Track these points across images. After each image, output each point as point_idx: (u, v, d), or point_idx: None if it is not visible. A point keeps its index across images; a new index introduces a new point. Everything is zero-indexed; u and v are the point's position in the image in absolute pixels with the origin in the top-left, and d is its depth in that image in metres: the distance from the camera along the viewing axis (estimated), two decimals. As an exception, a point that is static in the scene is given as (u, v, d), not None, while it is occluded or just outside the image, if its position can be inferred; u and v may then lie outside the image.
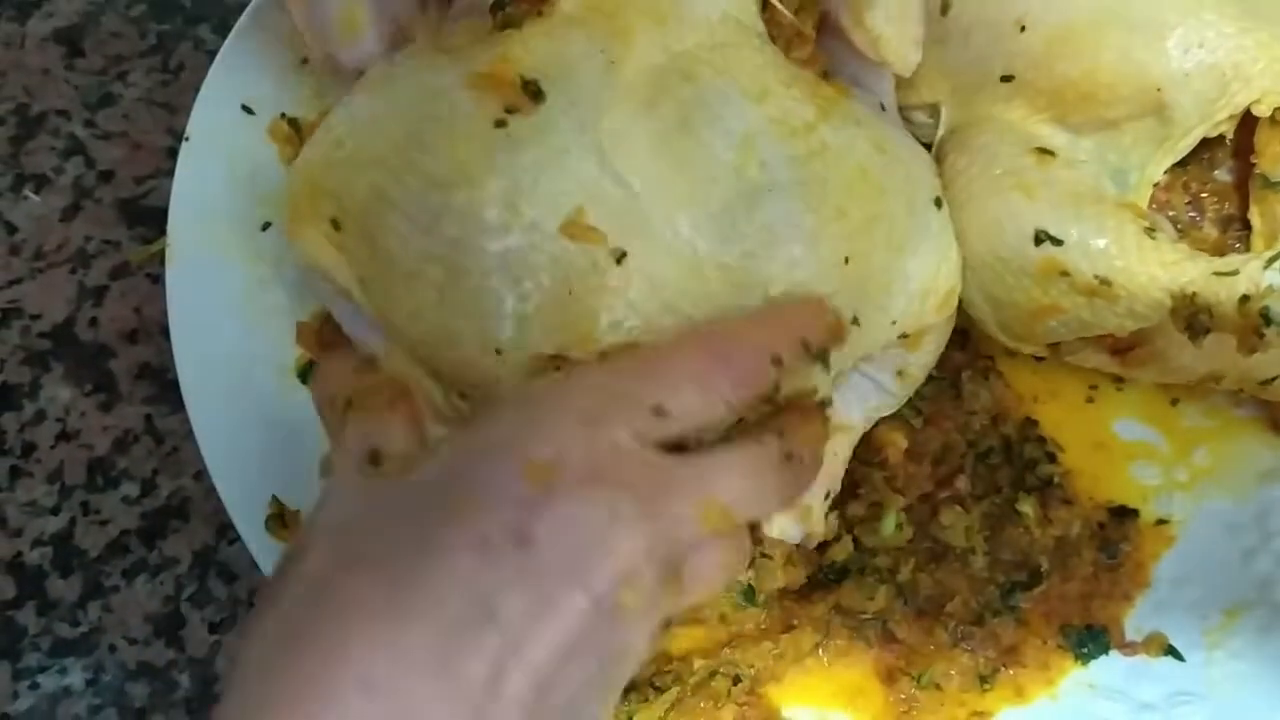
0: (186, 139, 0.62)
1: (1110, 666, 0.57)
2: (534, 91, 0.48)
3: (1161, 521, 0.60)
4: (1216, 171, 0.61)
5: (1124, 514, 0.60)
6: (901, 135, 0.54)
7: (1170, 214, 0.61)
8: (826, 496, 0.55)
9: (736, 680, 0.56)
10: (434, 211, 0.47)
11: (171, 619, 0.61)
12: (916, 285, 0.52)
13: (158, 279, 0.67)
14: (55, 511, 0.64)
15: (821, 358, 0.46)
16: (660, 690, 0.54)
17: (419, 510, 0.38)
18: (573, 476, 0.37)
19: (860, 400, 0.57)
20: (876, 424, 0.58)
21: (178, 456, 0.65)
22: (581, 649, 0.36)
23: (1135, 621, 0.58)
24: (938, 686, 0.56)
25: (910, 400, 0.59)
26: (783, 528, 0.54)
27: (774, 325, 0.46)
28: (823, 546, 0.57)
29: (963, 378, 0.62)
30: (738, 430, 0.43)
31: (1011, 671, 0.57)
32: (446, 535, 0.36)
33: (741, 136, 0.48)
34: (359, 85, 0.53)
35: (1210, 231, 0.61)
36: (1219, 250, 0.59)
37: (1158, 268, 0.54)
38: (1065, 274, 0.54)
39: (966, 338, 0.62)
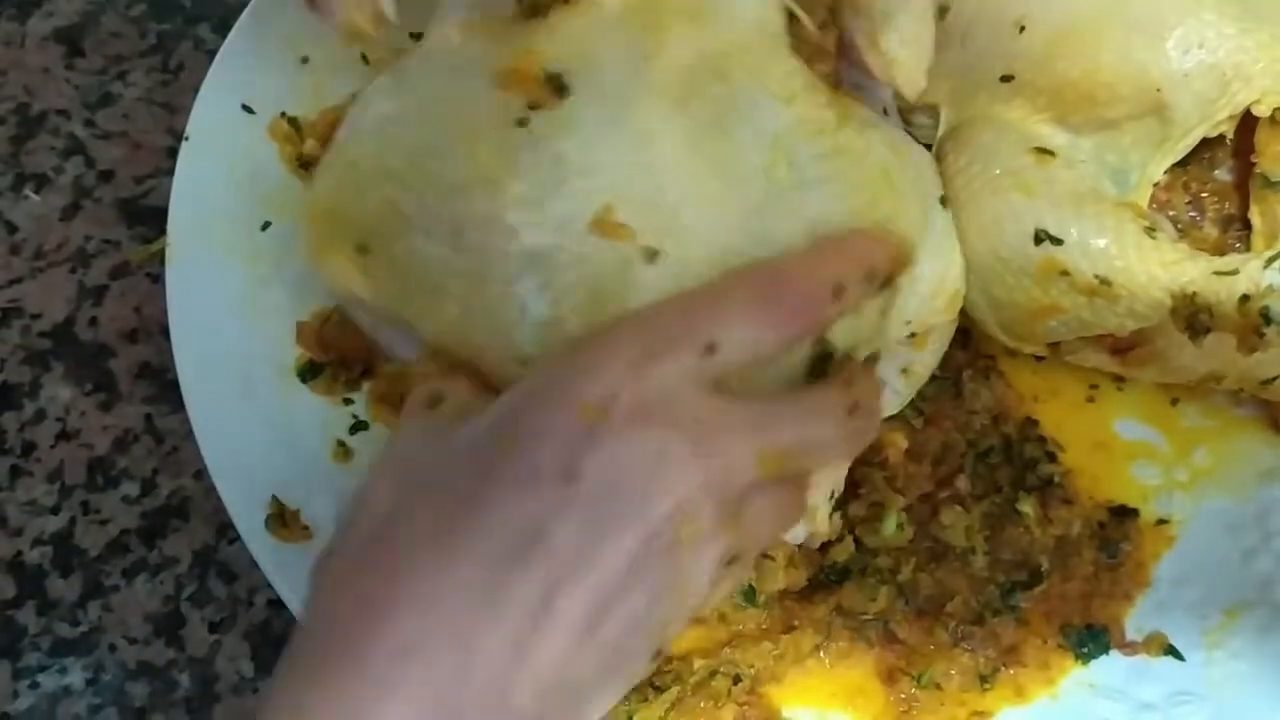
0: (186, 138, 0.62)
1: (1110, 666, 0.57)
2: (559, 86, 0.46)
3: (1162, 521, 0.60)
4: (1217, 171, 0.61)
5: (1124, 514, 0.60)
6: (906, 138, 0.55)
7: (1170, 214, 0.61)
8: (831, 496, 0.54)
9: (737, 680, 0.56)
10: (454, 222, 0.46)
11: (171, 618, 0.61)
12: (926, 286, 0.52)
13: (158, 278, 0.67)
14: (55, 511, 0.64)
15: (885, 284, 0.45)
16: (660, 690, 0.54)
17: (475, 449, 0.39)
18: (621, 415, 0.38)
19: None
20: (878, 423, 0.58)
21: (178, 456, 0.65)
22: (632, 583, 0.37)
23: (1135, 621, 0.58)
24: (938, 686, 0.56)
25: (911, 400, 0.59)
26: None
27: (832, 255, 0.45)
28: (824, 547, 0.57)
29: (964, 377, 0.62)
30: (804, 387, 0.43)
31: (1012, 671, 0.57)
32: (500, 469, 0.38)
33: (772, 137, 0.47)
34: (365, 97, 0.51)
35: (1210, 231, 0.61)
36: (1219, 250, 0.59)
37: (1158, 267, 0.54)
38: (1065, 273, 0.54)
39: (968, 337, 0.62)
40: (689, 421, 0.38)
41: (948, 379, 0.62)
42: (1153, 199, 0.59)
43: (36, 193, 0.72)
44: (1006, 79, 0.57)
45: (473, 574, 0.36)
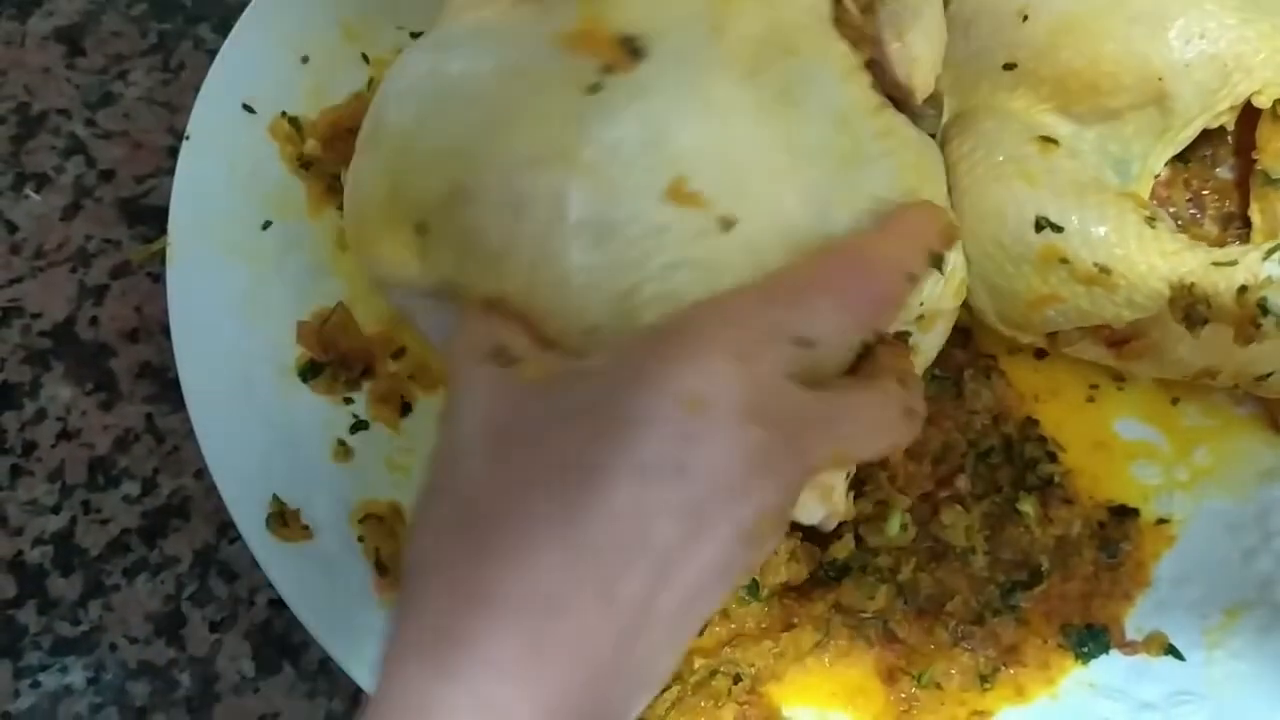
0: (187, 138, 0.62)
1: (1110, 666, 0.57)
2: (634, 49, 0.44)
3: (1162, 521, 0.60)
4: (1218, 169, 0.61)
5: (1124, 513, 0.60)
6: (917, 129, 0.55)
7: (1171, 210, 0.60)
8: (846, 476, 0.53)
9: (737, 679, 0.56)
10: (523, 193, 0.44)
11: (172, 618, 0.61)
12: (943, 269, 0.52)
13: (158, 278, 0.67)
14: (56, 510, 0.64)
15: (937, 265, 0.45)
16: (660, 689, 0.54)
17: (576, 428, 0.38)
18: (725, 411, 0.37)
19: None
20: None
21: (178, 455, 0.65)
22: (721, 573, 0.38)
23: (1135, 621, 0.58)
24: (938, 686, 0.56)
25: (910, 400, 0.59)
26: (805, 507, 0.52)
27: (900, 235, 0.45)
28: (825, 543, 0.57)
29: (964, 377, 0.62)
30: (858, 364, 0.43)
31: (1012, 671, 0.57)
32: (609, 458, 0.37)
33: (837, 111, 0.47)
34: (401, 76, 0.49)
35: (1211, 229, 0.61)
36: (1219, 247, 0.59)
37: (1157, 257, 0.54)
38: (1065, 261, 0.54)
39: (968, 337, 0.62)
40: (784, 419, 0.39)
41: (948, 379, 0.62)
42: (1153, 195, 0.59)
43: (37, 192, 0.72)
44: (1009, 67, 0.57)
45: (590, 573, 0.36)
